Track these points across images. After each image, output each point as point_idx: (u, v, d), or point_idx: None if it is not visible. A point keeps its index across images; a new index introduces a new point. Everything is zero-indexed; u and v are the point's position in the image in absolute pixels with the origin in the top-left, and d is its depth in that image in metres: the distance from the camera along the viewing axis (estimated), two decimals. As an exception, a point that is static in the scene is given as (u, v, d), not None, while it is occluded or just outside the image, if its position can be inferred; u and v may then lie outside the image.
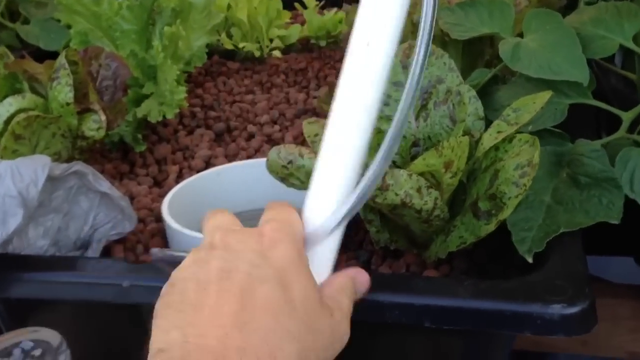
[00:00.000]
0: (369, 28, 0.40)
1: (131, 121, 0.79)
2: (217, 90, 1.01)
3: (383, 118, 0.59)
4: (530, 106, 0.51)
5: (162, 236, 0.66)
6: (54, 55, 0.96)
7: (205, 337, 0.33)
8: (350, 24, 0.79)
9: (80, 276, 0.56)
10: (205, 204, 0.71)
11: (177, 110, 0.79)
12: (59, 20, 0.96)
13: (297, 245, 0.38)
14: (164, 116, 0.79)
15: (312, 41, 1.15)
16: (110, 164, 0.82)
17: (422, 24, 0.39)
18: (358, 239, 0.64)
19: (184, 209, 0.69)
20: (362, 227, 0.65)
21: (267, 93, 1.00)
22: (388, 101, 0.60)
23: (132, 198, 0.74)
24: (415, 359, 0.58)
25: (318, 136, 0.57)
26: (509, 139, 0.50)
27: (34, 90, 0.69)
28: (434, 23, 0.38)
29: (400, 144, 0.58)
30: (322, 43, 1.13)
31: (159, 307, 0.36)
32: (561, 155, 0.57)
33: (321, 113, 0.87)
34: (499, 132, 0.51)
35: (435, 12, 0.39)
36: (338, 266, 0.61)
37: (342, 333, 0.38)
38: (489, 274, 0.57)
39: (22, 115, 0.60)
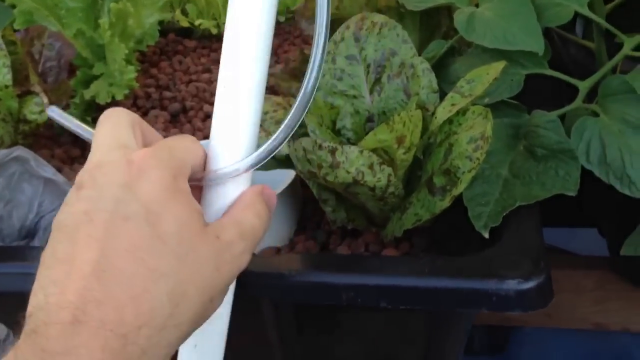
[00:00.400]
0: None
1: (78, 103, 0.76)
2: (172, 70, 0.98)
3: (337, 93, 0.58)
4: (484, 77, 0.50)
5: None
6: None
7: (64, 293, 0.32)
8: (305, -2, 0.77)
9: (26, 266, 0.53)
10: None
11: (127, 91, 0.76)
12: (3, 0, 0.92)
13: (171, 172, 0.36)
14: (113, 97, 0.76)
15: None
16: (60, 148, 0.79)
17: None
18: (315, 220, 0.62)
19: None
20: (320, 208, 0.63)
21: (224, 71, 0.97)
22: (341, 76, 0.58)
23: (82, 183, 0.71)
24: (376, 338, 0.57)
25: (268, 114, 0.55)
26: (463, 112, 0.49)
27: (-29, 73, 0.66)
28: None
29: (354, 120, 0.56)
30: (281, 19, 1.10)
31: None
32: (518, 127, 0.56)
33: (278, 90, 0.84)
34: (452, 104, 0.49)
35: None
36: (295, 246, 0.60)
37: (234, 254, 0.37)
38: (449, 251, 0.56)
39: (-43, 100, 0.57)
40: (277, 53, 1.01)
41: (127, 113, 0.40)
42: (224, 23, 1.09)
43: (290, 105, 0.56)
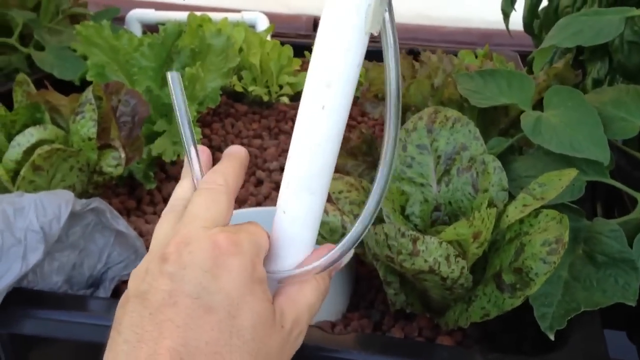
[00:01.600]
0: (325, 91, 0.38)
1: (145, 158, 0.79)
2: (225, 132, 1.02)
3: (405, 179, 0.60)
4: (556, 182, 0.52)
5: (170, 278, 0.66)
6: (63, 83, 0.96)
7: None
8: (370, 81, 0.81)
9: (90, 317, 0.55)
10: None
11: (192, 152, 0.79)
12: (74, 50, 0.96)
13: (251, 259, 0.37)
14: (178, 156, 0.79)
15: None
16: (117, 198, 0.82)
17: (388, 99, 0.40)
18: (369, 298, 0.64)
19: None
20: (374, 286, 0.65)
21: (275, 139, 1.00)
22: (411, 163, 0.61)
23: (141, 235, 0.74)
24: None
25: (342, 193, 0.57)
26: (535, 213, 0.51)
27: (54, 121, 0.69)
28: (400, 95, 0.40)
29: (423, 207, 0.59)
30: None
31: (114, 323, 0.36)
32: (577, 231, 0.58)
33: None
34: (524, 205, 0.52)
35: (400, 88, 0.40)
36: (350, 323, 0.61)
37: (294, 336, 0.39)
38: (502, 344, 0.57)
39: (45, 147, 0.60)
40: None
41: (228, 189, 0.41)
42: (275, 91, 1.14)
43: (364, 188, 0.59)
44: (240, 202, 0.82)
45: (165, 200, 0.84)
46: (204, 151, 0.44)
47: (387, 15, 0.37)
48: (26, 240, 0.51)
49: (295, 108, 1.10)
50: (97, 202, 0.59)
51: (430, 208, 0.58)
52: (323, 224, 0.55)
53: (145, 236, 0.74)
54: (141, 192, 0.83)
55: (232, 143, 0.98)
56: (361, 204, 0.57)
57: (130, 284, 0.38)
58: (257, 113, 1.10)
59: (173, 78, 0.42)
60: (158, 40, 0.85)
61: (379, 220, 0.57)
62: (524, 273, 0.48)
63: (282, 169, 0.92)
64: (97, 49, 0.89)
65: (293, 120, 1.07)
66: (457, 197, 0.58)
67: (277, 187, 0.86)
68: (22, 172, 0.61)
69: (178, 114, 0.42)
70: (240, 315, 0.36)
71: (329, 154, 0.40)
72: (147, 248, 0.71)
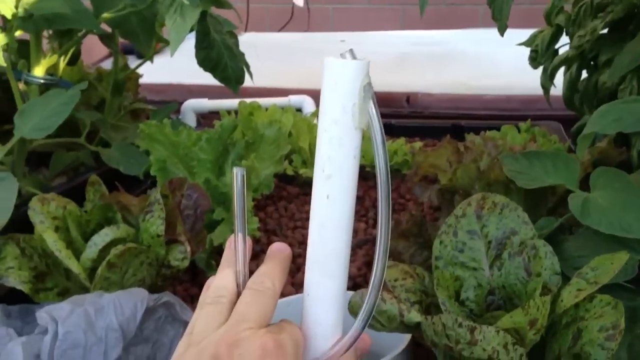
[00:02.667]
0: (327, 182, 0.42)
1: (206, 248, 0.83)
2: (278, 215, 1.06)
3: (457, 264, 0.62)
4: (608, 266, 0.54)
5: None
6: (127, 176, 1.02)
7: None
8: (417, 164, 0.84)
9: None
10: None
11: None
12: (137, 146, 1.03)
13: None
14: (237, 245, 0.83)
15: (368, 169, 1.20)
16: (180, 286, 0.86)
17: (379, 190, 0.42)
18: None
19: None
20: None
21: (327, 220, 1.04)
22: (463, 248, 0.63)
23: (204, 324, 0.77)
24: None
25: (398, 281, 0.60)
26: (589, 298, 0.53)
27: (124, 219, 0.74)
28: (389, 187, 0.42)
29: (477, 292, 0.60)
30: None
31: None
32: (634, 311, 0.59)
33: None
34: (578, 290, 0.53)
35: (389, 181, 0.43)
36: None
37: None
38: None
39: (120, 247, 0.65)
40: (374, 206, 1.08)
41: (274, 290, 0.45)
42: (325, 173, 1.17)
43: (418, 275, 0.61)
44: (297, 286, 0.85)
45: (226, 287, 0.88)
46: (247, 242, 0.47)
47: (373, 112, 0.40)
48: (106, 338, 0.55)
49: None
50: (167, 297, 0.63)
51: (485, 292, 0.60)
52: (381, 312, 0.57)
53: (210, 324, 0.77)
54: (203, 278, 0.87)
55: (286, 226, 1.02)
56: (417, 291, 0.59)
57: None
58: (308, 194, 1.13)
59: (237, 174, 0.45)
60: (215, 135, 0.91)
61: (435, 306, 0.59)
62: (583, 359, 0.49)
63: (335, 251, 0.95)
64: (159, 145, 0.95)
65: (343, 200, 1.11)
66: (511, 281, 0.60)
67: (332, 269, 0.89)
68: (99, 271, 0.65)
69: (236, 206, 0.45)
70: None
71: (340, 240, 0.42)
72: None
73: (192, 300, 0.84)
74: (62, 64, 1.01)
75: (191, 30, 1.05)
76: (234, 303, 0.43)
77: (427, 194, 0.79)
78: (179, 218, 0.72)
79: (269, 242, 0.96)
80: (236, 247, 0.45)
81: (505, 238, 0.62)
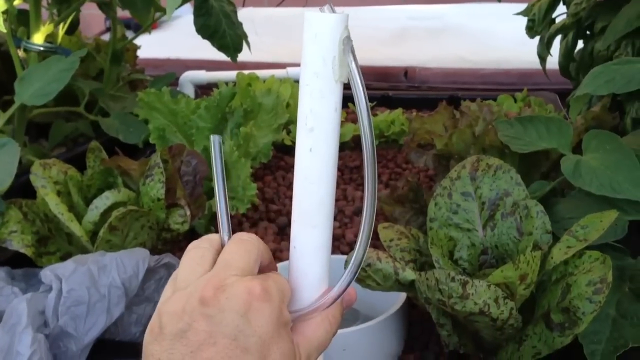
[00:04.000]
0: (310, 134, 0.42)
1: (206, 214, 0.84)
2: (276, 184, 1.07)
3: (452, 225, 0.64)
4: (597, 224, 0.55)
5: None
6: (127, 145, 1.03)
7: None
8: (413, 131, 0.85)
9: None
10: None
11: (249, 205, 0.84)
12: (136, 115, 1.04)
13: (279, 304, 0.41)
14: (236, 210, 0.84)
15: (365, 139, 1.21)
16: (180, 252, 0.87)
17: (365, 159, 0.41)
18: (423, 339, 0.67)
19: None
20: (427, 329, 0.68)
21: (324, 189, 1.05)
22: (457, 210, 0.64)
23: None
24: None
25: (393, 241, 0.61)
26: (579, 255, 0.54)
27: (125, 184, 0.75)
28: (374, 141, 0.41)
29: (470, 252, 0.62)
30: (375, 142, 1.19)
31: (146, 348, 0.39)
32: (623, 270, 0.60)
33: (380, 213, 0.92)
34: (568, 247, 0.55)
35: (373, 135, 0.42)
36: (406, 365, 0.64)
37: None
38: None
39: (121, 209, 0.66)
40: (372, 174, 1.09)
41: (258, 244, 0.45)
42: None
43: (413, 236, 0.63)
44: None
45: (225, 252, 0.89)
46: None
47: (353, 65, 0.40)
48: (109, 295, 0.56)
49: (343, 158, 1.16)
50: (168, 258, 0.65)
51: (478, 252, 0.62)
52: (376, 271, 0.59)
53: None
54: (202, 245, 0.88)
55: (284, 195, 1.03)
56: (412, 250, 0.60)
57: (165, 320, 0.40)
58: (306, 164, 1.15)
59: (214, 142, 0.46)
60: (213, 103, 0.92)
61: (429, 265, 0.60)
62: (572, 312, 0.51)
63: (334, 219, 0.96)
64: (158, 114, 0.96)
65: (341, 170, 1.12)
66: (503, 240, 0.62)
67: (329, 235, 0.90)
68: (100, 233, 0.66)
69: (215, 170, 0.47)
70: (270, 355, 0.40)
71: (324, 191, 0.43)
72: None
73: (192, 265, 0.86)
74: (61, 32, 1.02)
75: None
76: (218, 252, 0.44)
77: (423, 159, 0.80)
78: (179, 183, 0.73)
79: (267, 210, 0.98)
80: (218, 209, 0.46)
81: (498, 199, 0.63)
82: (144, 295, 0.62)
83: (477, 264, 0.62)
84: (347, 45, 0.40)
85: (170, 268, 0.65)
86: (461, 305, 0.51)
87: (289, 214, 0.98)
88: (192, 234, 0.89)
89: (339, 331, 0.63)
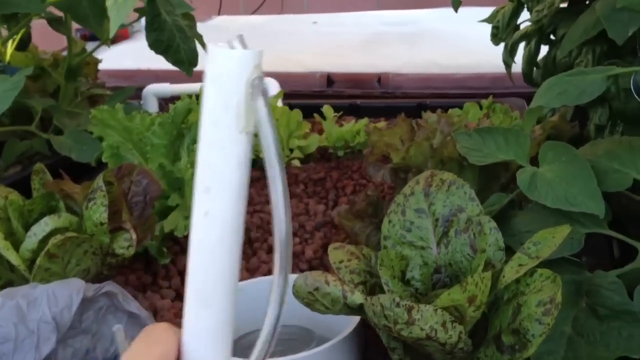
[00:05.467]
0: (205, 195, 0.34)
1: (157, 235, 0.81)
2: (239, 200, 1.04)
3: (405, 243, 0.61)
4: (549, 240, 0.53)
5: (185, 354, 0.67)
6: (82, 165, 1.00)
7: None
8: (372, 144, 0.83)
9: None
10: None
11: (203, 225, 0.81)
12: (91, 132, 1.01)
13: None
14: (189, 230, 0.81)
15: (331, 151, 1.19)
16: (133, 274, 0.84)
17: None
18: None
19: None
20: (384, 349, 0.66)
21: (287, 203, 1.02)
22: (410, 227, 0.62)
23: (155, 312, 0.76)
24: None
25: (343, 262, 0.59)
26: (530, 273, 0.52)
27: (68, 208, 0.72)
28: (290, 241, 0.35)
29: (423, 271, 0.60)
30: (340, 153, 1.17)
31: None
32: (579, 284, 0.58)
33: (340, 228, 0.89)
34: (520, 265, 0.52)
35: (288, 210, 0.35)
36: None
37: None
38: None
39: (59, 237, 0.63)
40: (336, 187, 1.07)
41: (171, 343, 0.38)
42: (286, 156, 1.16)
43: (364, 256, 0.60)
44: (252, 271, 0.84)
45: (181, 273, 0.86)
46: None
47: (263, 113, 0.33)
48: (39, 331, 0.53)
49: (307, 170, 1.13)
50: (109, 286, 0.62)
51: (431, 271, 0.59)
52: (324, 295, 0.56)
53: (160, 312, 0.75)
54: (157, 266, 0.85)
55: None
56: (362, 272, 0.58)
57: None
58: (270, 178, 1.12)
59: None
60: (168, 119, 0.89)
61: (379, 287, 0.58)
62: (522, 334, 0.49)
63: (294, 234, 0.94)
64: (112, 131, 0.93)
65: (304, 183, 1.10)
66: (457, 258, 0.59)
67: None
68: (38, 262, 0.63)
69: None
70: None
71: (221, 265, 0.35)
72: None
73: (144, 288, 0.82)
74: (10, 49, 0.99)
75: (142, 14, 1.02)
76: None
77: (380, 173, 0.78)
78: (124, 205, 0.70)
79: (228, 227, 0.95)
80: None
81: (452, 215, 0.61)
82: (80, 328, 0.59)
83: (430, 283, 0.59)
84: (257, 88, 0.33)
85: (112, 297, 0.62)
86: (407, 331, 0.49)
87: (248, 230, 0.96)
88: (146, 255, 0.86)
89: (289, 358, 0.61)
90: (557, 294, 0.48)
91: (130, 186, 0.77)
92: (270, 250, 0.89)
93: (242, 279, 0.81)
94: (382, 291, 0.56)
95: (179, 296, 0.81)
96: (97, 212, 0.67)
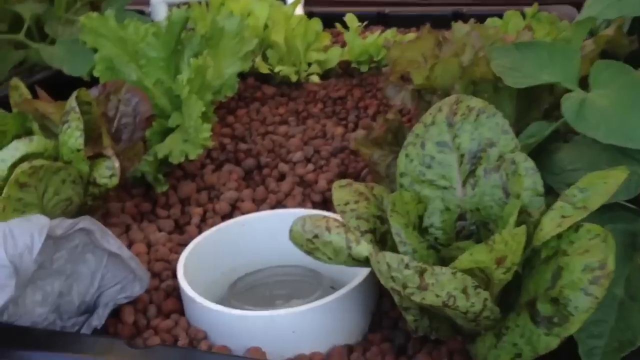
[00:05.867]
0: None
1: (152, 161, 0.73)
2: (249, 119, 0.95)
3: (425, 182, 0.52)
4: (600, 187, 0.43)
5: (177, 296, 0.60)
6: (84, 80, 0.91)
7: None
8: (392, 61, 0.72)
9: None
10: (228, 259, 0.65)
11: (201, 151, 0.73)
12: (85, 43, 0.91)
13: None
14: (186, 157, 0.73)
15: (353, 66, 1.07)
16: (131, 200, 0.77)
17: None
18: (394, 315, 0.57)
19: (205, 264, 0.63)
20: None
21: (302, 124, 0.93)
22: (430, 163, 0.52)
23: (149, 246, 0.69)
24: None
25: (349, 205, 0.49)
26: (575, 228, 0.42)
27: (46, 130, 0.64)
28: None
29: (444, 217, 0.50)
30: (364, 68, 1.06)
31: None
32: (634, 236, 0.49)
33: (359, 155, 0.80)
34: (562, 216, 0.43)
35: None
36: (370, 347, 0.54)
37: None
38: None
39: (25, 165, 0.55)
40: (357, 107, 0.96)
41: None
42: (304, 70, 1.06)
43: (375, 197, 0.51)
44: (258, 201, 0.75)
45: (182, 201, 0.79)
46: None
47: None
48: (-6, 277, 0.46)
49: (326, 87, 1.03)
50: (85, 222, 0.54)
51: (454, 217, 0.50)
52: (325, 243, 0.48)
53: (155, 246, 0.68)
54: (155, 193, 0.77)
55: (256, 131, 0.91)
56: (371, 217, 0.49)
57: None
58: (285, 95, 1.03)
59: None
60: (162, 29, 0.79)
61: (390, 237, 0.49)
62: (562, 305, 0.40)
63: (307, 160, 0.85)
64: (105, 41, 0.83)
65: (323, 101, 1.00)
66: (485, 202, 0.50)
67: (300, 182, 0.79)
68: (5, 191, 0.56)
69: None
70: None
71: None
72: (152, 259, 0.66)
73: (141, 217, 0.75)
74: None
75: None
76: None
77: (400, 96, 0.68)
78: (104, 128, 0.61)
79: (236, 150, 0.86)
80: None
81: (480, 150, 0.51)
82: (52, 268, 0.52)
83: (453, 231, 0.50)
84: None
85: (89, 234, 0.54)
86: (420, 296, 0.40)
87: (258, 154, 0.87)
88: (145, 181, 0.78)
89: (289, 310, 0.54)
90: (609, 259, 0.38)
91: (119, 105, 0.69)
92: (281, 179, 0.80)
93: (247, 210, 0.73)
94: (394, 242, 0.47)
95: (178, 227, 0.73)
96: (72, 136, 0.58)
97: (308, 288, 0.63)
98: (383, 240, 0.49)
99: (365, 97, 0.99)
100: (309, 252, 0.50)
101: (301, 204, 0.74)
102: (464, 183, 0.51)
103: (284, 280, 0.66)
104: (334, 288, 0.59)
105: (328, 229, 0.47)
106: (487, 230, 0.50)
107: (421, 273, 0.39)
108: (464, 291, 0.40)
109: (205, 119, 0.75)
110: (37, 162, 0.56)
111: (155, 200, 0.77)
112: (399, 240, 0.46)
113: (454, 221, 0.50)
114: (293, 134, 0.89)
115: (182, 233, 0.72)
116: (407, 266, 0.39)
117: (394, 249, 0.47)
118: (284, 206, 0.74)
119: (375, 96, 0.99)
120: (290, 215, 0.69)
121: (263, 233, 0.67)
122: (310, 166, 0.81)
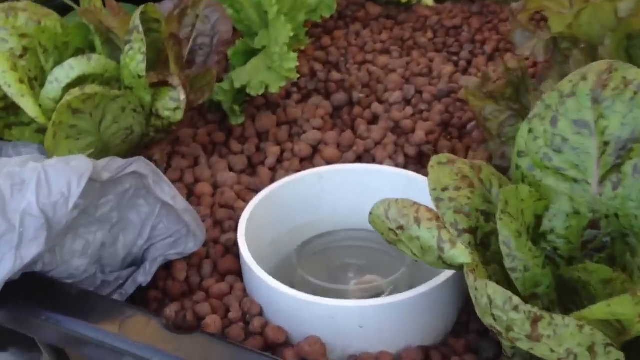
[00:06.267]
0: None
1: (227, 90, 0.64)
2: (347, 43, 0.84)
3: (550, 169, 0.41)
4: None
5: (237, 253, 0.53)
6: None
7: None
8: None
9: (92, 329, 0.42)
10: (300, 215, 0.57)
11: (283, 84, 0.63)
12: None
13: None
14: (266, 88, 0.63)
15: (475, -12, 0.93)
16: (205, 127, 0.69)
17: None
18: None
19: (272, 219, 0.55)
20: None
21: (406, 56, 0.81)
22: (561, 146, 0.41)
23: (215, 187, 0.61)
24: None
25: (447, 192, 0.39)
26: None
27: (111, 44, 0.56)
28: None
29: (571, 223, 0.39)
30: (487, -7, 0.91)
31: None
32: None
33: (468, 106, 0.67)
34: None
35: None
36: (449, 357, 0.45)
37: None
38: None
39: (77, 91, 0.48)
40: (473, 40, 0.83)
41: None
42: (415, -10, 0.90)
43: (482, 181, 0.40)
44: (344, 147, 0.66)
45: (259, 136, 0.70)
46: None
47: None
48: (22, 226, 0.40)
49: (440, 12, 0.89)
50: (138, 164, 0.47)
51: (583, 223, 0.39)
52: (411, 238, 0.38)
53: (221, 187, 0.61)
54: (231, 124, 0.69)
55: (354, 59, 0.80)
56: (473, 212, 0.38)
57: None
58: (392, 17, 0.90)
59: None
60: None
61: (495, 240, 0.38)
62: None
63: (406, 102, 0.74)
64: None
65: (433, 29, 0.86)
66: (629, 208, 0.38)
67: (395, 127, 0.68)
68: (54, 117, 0.49)
69: None
70: None
71: None
72: (216, 203, 0.59)
73: (213, 149, 0.68)
74: None
75: None
76: None
77: (531, 44, 0.55)
78: (173, 52, 0.53)
79: (327, 80, 0.76)
80: None
81: (633, 140, 0.39)
82: (95, 215, 0.46)
83: (579, 242, 0.39)
84: None
85: (142, 178, 0.47)
86: (528, 346, 0.30)
87: (351, 87, 0.76)
88: (219, 107, 0.70)
89: (358, 303, 0.45)
90: None
91: (196, 22, 0.60)
92: (373, 121, 0.70)
93: (329, 156, 0.64)
94: (499, 249, 0.36)
95: (251, 166, 0.65)
96: (134, 60, 0.50)
97: (387, 261, 0.54)
98: (485, 243, 0.38)
99: (484, 29, 0.85)
100: (390, 243, 0.40)
101: (392, 156, 0.64)
102: (603, 179, 0.39)
103: (360, 247, 0.57)
104: (417, 262, 0.49)
105: (417, 221, 0.37)
106: (625, 244, 0.39)
107: (535, 321, 0.29)
108: (590, 349, 0.29)
109: (295, 43, 0.65)
110: (90, 89, 0.48)
111: (231, 130, 0.69)
112: (507, 253, 0.35)
113: (582, 229, 0.39)
114: (394, 68, 0.78)
115: (253, 174, 0.64)
116: (516, 308, 0.29)
117: (498, 257, 0.37)
118: (372, 156, 0.65)
119: (497, 29, 0.85)
120: (376, 172, 0.59)
121: (343, 189, 0.58)
122: (409, 110, 0.70)
